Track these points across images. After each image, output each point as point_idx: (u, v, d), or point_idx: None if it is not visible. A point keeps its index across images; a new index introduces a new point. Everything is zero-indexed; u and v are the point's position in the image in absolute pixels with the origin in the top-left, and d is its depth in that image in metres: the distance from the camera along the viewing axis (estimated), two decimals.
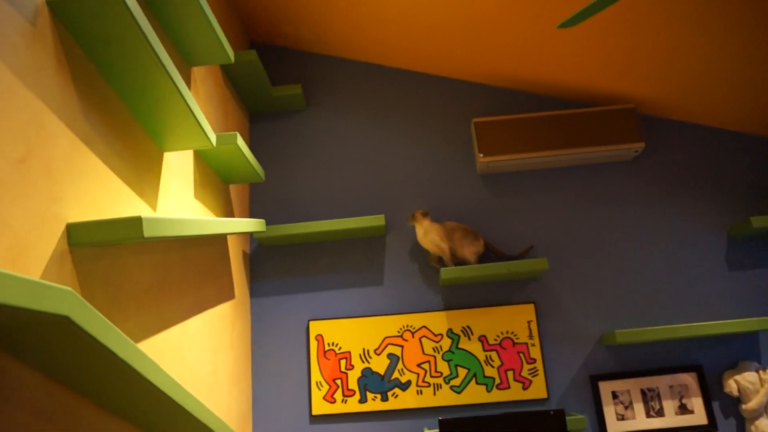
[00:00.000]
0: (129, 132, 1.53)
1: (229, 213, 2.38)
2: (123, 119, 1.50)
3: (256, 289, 2.60)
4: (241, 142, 2.02)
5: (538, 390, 2.39)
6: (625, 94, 2.69)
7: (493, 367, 2.43)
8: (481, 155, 2.59)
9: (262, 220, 2.25)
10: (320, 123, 2.86)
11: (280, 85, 2.93)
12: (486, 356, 2.45)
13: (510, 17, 2.41)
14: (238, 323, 2.37)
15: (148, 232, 1.19)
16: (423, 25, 2.61)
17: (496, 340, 2.47)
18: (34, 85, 1.13)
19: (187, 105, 1.53)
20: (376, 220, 2.50)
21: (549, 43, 2.50)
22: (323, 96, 2.91)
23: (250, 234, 2.68)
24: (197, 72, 2.14)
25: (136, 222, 1.18)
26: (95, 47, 1.31)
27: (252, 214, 2.73)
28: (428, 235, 2.46)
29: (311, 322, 2.52)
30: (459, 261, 2.50)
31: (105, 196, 1.37)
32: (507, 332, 2.47)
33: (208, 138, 1.70)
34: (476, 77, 2.86)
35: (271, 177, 2.79)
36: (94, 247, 1.29)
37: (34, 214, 1.09)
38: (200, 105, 2.14)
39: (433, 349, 2.48)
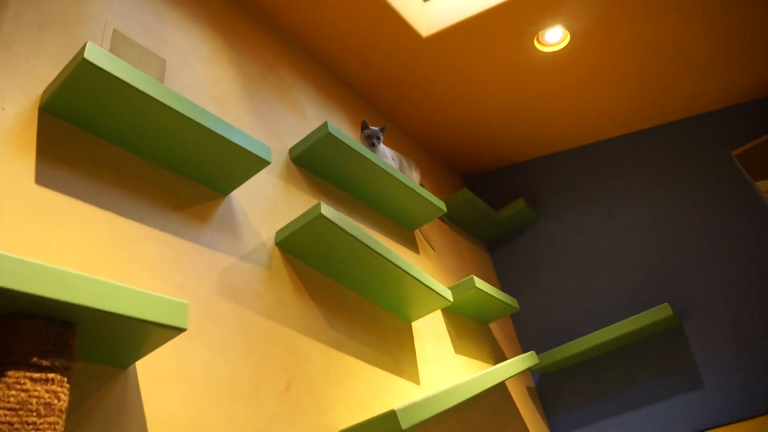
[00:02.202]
0: (374, 319, 1.63)
1: (496, 352, 2.28)
2: (364, 310, 1.61)
3: (556, 425, 2.35)
4: (480, 283, 1.99)
5: None
6: None
7: None
8: None
9: (532, 353, 2.09)
10: (558, 225, 2.68)
11: (505, 204, 2.90)
12: None
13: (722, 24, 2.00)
14: None
15: (405, 424, 1.18)
16: (629, 78, 2.35)
17: None
18: (281, 317, 1.30)
19: (415, 278, 1.58)
20: (661, 312, 2.09)
21: None
22: (550, 197, 2.76)
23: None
24: (421, 231, 2.26)
25: (392, 416, 1.18)
26: (319, 261, 1.49)
27: (522, 342, 2.57)
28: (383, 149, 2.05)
29: None
30: None
31: (368, 389, 1.44)
32: None
33: (444, 297, 1.71)
34: (709, 105, 2.38)
35: (531, 298, 2.64)
36: None
37: None
38: (432, 258, 2.22)
39: None
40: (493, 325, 2.41)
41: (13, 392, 0.66)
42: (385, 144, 2.43)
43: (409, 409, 1.21)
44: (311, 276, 1.48)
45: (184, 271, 1.12)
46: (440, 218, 2.43)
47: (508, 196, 2.92)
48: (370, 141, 1.95)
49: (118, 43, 1.29)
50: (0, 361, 0.67)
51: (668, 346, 2.19)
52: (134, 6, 1.43)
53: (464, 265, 2.49)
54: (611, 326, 2.18)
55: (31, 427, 0.66)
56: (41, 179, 0.96)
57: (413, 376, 1.65)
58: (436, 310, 1.78)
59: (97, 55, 0.98)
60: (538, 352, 2.51)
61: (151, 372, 0.95)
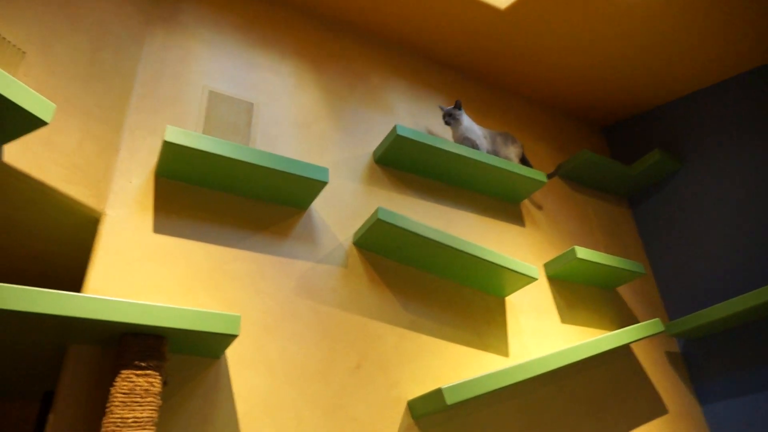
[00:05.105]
0: (457, 299, 1.79)
1: (623, 318, 2.20)
2: (447, 291, 1.78)
3: (705, 395, 2.18)
4: (583, 252, 1.97)
5: None
6: None
7: None
8: None
9: (655, 321, 1.98)
10: (706, 173, 2.37)
11: (645, 154, 2.65)
12: None
13: None
14: None
15: (450, 400, 1.35)
16: None
17: None
18: (355, 308, 1.57)
19: (490, 262, 1.69)
20: None
21: None
22: (696, 143, 2.44)
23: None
24: (532, 200, 2.27)
25: (438, 394, 1.37)
26: (395, 253, 1.70)
27: (667, 305, 2.40)
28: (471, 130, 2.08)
29: None
30: None
31: (443, 364, 1.63)
32: None
33: (530, 276, 1.77)
34: None
35: (678, 256, 2.42)
36: (444, 413, 1.53)
37: (375, 404, 1.44)
38: (541, 228, 2.22)
39: None
40: (626, 288, 2.32)
41: (125, 383, 1.06)
42: (491, 115, 2.46)
43: (455, 388, 1.38)
44: (389, 267, 1.71)
45: (266, 280, 1.46)
46: (556, 181, 2.39)
47: (647, 145, 2.66)
48: (445, 121, 2.07)
49: (213, 102, 1.66)
50: (117, 363, 1.08)
51: None
52: (227, 63, 1.79)
53: (589, 228, 2.41)
54: (765, 287, 1.93)
55: (136, 404, 1.06)
56: (158, 228, 1.38)
57: (501, 350, 1.77)
58: (525, 285, 1.84)
59: (175, 134, 1.34)
60: (684, 315, 2.32)
61: (238, 359, 1.31)
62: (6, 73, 1.07)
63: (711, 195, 2.34)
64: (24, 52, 1.27)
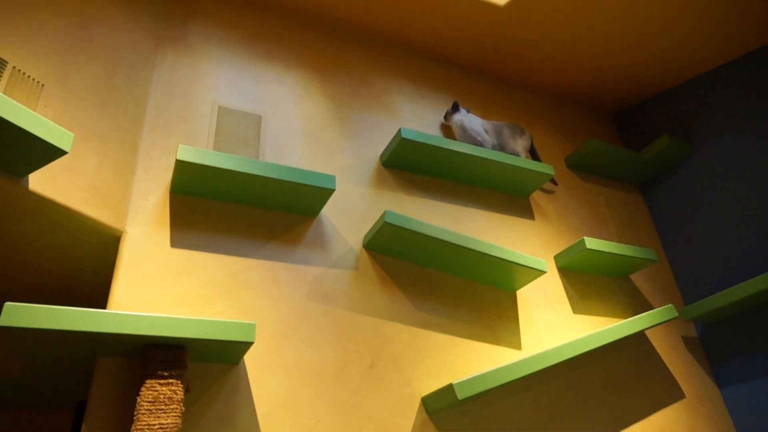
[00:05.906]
0: (468, 295, 1.83)
1: (637, 305, 2.21)
2: (458, 288, 1.83)
3: (724, 378, 2.18)
4: (593, 243, 1.99)
5: None
6: None
7: None
8: None
9: (669, 306, 1.99)
10: (718, 157, 2.36)
11: (652, 141, 2.64)
12: None
13: None
14: (704, 424, 2.03)
15: (461, 395, 1.40)
16: None
17: None
18: (367, 309, 1.62)
19: (498, 257, 1.73)
20: None
21: None
22: (706, 127, 2.43)
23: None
24: (542, 192, 2.29)
25: (449, 390, 1.42)
26: (405, 253, 1.75)
27: (683, 290, 2.40)
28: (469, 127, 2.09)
29: None
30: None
31: (456, 359, 1.68)
32: None
33: (538, 269, 1.80)
34: None
35: (693, 240, 2.42)
36: (458, 407, 1.59)
37: (390, 401, 1.50)
38: (552, 221, 2.24)
39: None
40: (641, 276, 2.32)
41: (150, 392, 1.14)
42: (498, 108, 2.48)
43: (467, 383, 1.43)
44: (400, 268, 1.76)
45: (280, 287, 1.52)
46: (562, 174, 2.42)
47: (657, 131, 2.65)
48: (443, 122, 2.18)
49: (223, 117, 1.73)
50: (142, 374, 1.16)
51: None
52: (234, 78, 1.86)
53: (602, 218, 2.42)
54: None
55: (161, 411, 1.14)
56: (175, 243, 1.45)
57: (513, 343, 1.81)
58: (535, 279, 1.87)
59: (186, 152, 1.41)
60: (699, 299, 2.32)
61: (256, 364, 1.38)
62: (26, 108, 1.15)
63: (722, 178, 2.32)
64: (43, 85, 1.36)
